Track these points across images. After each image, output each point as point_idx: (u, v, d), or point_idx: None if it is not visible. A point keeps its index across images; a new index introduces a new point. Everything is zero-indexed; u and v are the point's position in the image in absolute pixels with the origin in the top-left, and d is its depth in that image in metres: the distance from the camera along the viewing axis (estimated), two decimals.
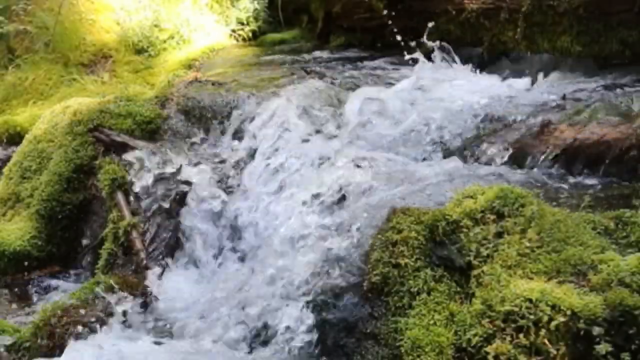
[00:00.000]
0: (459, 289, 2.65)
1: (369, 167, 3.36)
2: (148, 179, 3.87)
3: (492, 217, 2.73)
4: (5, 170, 4.47)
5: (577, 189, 3.22)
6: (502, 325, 2.41)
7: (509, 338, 2.38)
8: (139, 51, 6.00)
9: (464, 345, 2.48)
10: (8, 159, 4.59)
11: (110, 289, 3.46)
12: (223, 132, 4.17)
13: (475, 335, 2.46)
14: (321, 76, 4.66)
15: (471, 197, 2.83)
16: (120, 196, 3.86)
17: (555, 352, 2.31)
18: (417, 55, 4.54)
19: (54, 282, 3.95)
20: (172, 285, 3.56)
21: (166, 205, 3.82)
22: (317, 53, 5.64)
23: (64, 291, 3.77)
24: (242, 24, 6.27)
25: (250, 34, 6.27)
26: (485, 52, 4.97)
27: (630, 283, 2.33)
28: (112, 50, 6.00)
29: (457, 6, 4.98)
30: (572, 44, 4.50)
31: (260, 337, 2.95)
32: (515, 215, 2.70)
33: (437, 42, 4.55)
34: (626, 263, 2.40)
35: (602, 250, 2.52)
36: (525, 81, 4.38)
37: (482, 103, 3.97)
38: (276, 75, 4.80)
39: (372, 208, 3.06)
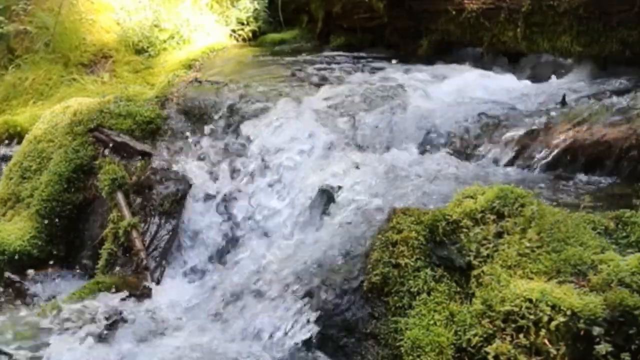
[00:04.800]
0: (459, 289, 2.65)
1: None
2: None
3: (492, 217, 2.73)
4: (5, 170, 4.47)
5: (577, 189, 3.22)
6: (502, 325, 2.41)
7: (509, 338, 2.38)
8: (139, 51, 5.99)
9: (464, 345, 2.48)
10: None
11: (110, 289, 3.46)
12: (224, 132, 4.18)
13: (475, 335, 2.46)
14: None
15: (471, 197, 2.83)
16: (120, 196, 3.86)
17: (555, 352, 2.31)
18: None
19: (53, 282, 3.95)
20: (172, 285, 3.56)
21: (166, 205, 3.82)
22: (316, 53, 5.63)
23: (63, 291, 3.77)
24: (242, 24, 6.26)
25: (250, 34, 6.26)
26: (485, 52, 4.97)
27: (630, 283, 2.33)
28: (112, 50, 5.99)
29: (457, 6, 4.98)
30: (572, 44, 4.49)
31: (260, 335, 2.95)
32: (515, 215, 2.70)
33: None
34: (626, 263, 2.40)
35: (602, 250, 2.52)
36: (527, 81, 4.39)
37: (483, 103, 3.97)
38: (275, 76, 4.81)
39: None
